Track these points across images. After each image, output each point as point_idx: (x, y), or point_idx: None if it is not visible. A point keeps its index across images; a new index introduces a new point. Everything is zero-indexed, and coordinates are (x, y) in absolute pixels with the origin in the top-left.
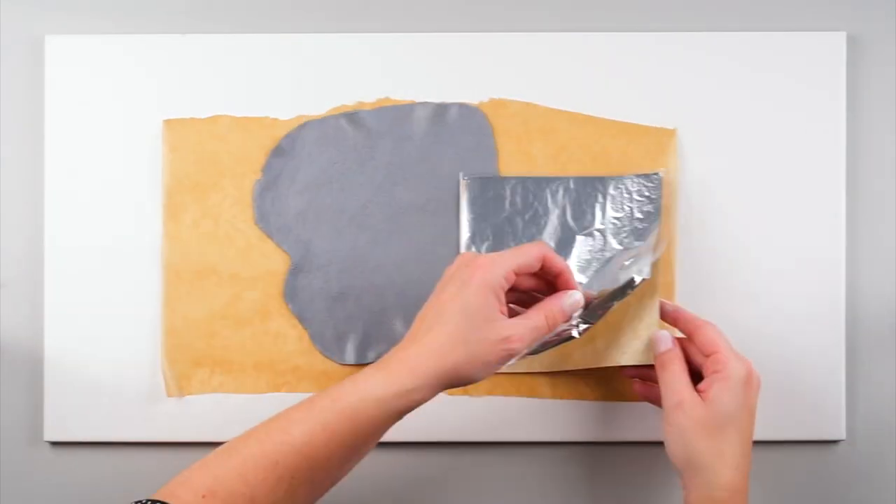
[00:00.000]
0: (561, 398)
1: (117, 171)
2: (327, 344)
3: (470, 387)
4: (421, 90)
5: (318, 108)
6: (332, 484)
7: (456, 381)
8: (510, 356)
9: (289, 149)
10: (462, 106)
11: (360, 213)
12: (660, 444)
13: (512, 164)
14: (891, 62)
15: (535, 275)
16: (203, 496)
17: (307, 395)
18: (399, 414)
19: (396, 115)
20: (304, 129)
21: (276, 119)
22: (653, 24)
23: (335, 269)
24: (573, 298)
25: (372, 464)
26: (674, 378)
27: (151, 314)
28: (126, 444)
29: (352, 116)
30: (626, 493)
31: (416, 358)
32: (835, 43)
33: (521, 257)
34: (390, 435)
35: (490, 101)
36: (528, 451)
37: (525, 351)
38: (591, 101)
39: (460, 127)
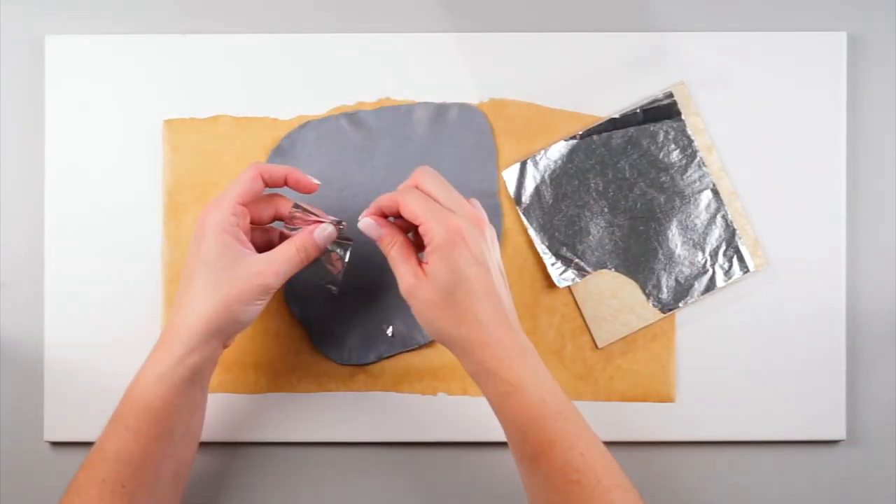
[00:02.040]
0: None
1: (118, 171)
2: (328, 344)
3: (468, 386)
4: (421, 90)
5: (318, 108)
6: (175, 481)
7: (226, 330)
8: (266, 290)
9: (289, 149)
10: (462, 106)
11: (360, 214)
12: (659, 444)
13: (512, 164)
14: (891, 62)
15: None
16: None
17: (307, 396)
18: (186, 382)
19: (397, 115)
20: (305, 129)
21: (276, 119)
22: (654, 25)
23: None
24: (326, 231)
25: (372, 464)
26: (396, 264)
27: (152, 314)
28: None
29: (352, 116)
30: None
31: (180, 323)
32: (835, 43)
33: (239, 186)
34: (390, 435)
35: (490, 101)
36: None
37: (280, 283)
38: (592, 101)
39: (460, 127)
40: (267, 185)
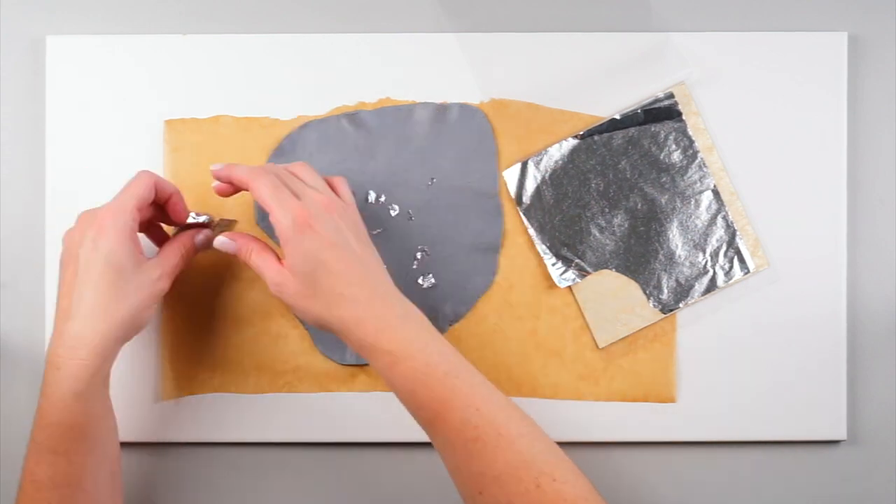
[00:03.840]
0: (561, 398)
1: (118, 172)
2: (328, 344)
3: None
4: (422, 90)
5: (319, 108)
6: (116, 480)
7: (129, 335)
8: (162, 293)
9: (290, 149)
10: (463, 106)
11: (360, 214)
12: (660, 444)
13: (513, 164)
14: (892, 62)
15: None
16: None
17: (307, 396)
18: (102, 391)
19: (397, 115)
20: (305, 130)
21: (276, 119)
22: (654, 25)
23: None
24: (204, 234)
25: (372, 464)
26: (259, 268)
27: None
28: (127, 444)
29: (353, 117)
30: (626, 492)
31: (88, 331)
32: (836, 43)
33: (138, 192)
34: (390, 435)
35: (491, 101)
36: None
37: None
38: (592, 101)
39: (461, 127)
40: (155, 198)
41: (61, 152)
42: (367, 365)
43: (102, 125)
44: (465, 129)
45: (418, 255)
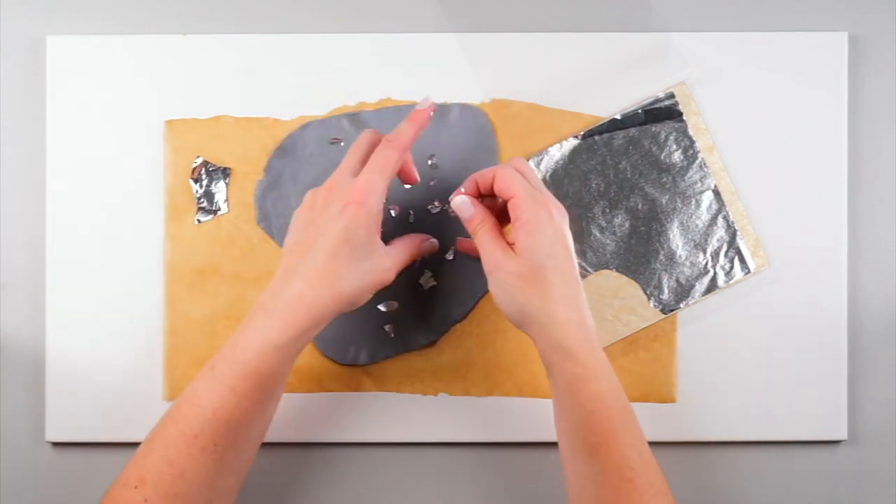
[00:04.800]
0: None
1: (119, 172)
2: (329, 344)
3: (470, 387)
4: (423, 90)
5: (319, 108)
6: (259, 439)
7: (344, 309)
8: (385, 284)
9: (290, 149)
10: (464, 106)
11: None
12: (660, 444)
13: None
14: (892, 62)
15: None
16: (135, 487)
17: (308, 396)
18: (299, 354)
19: (398, 115)
20: (306, 130)
21: (277, 119)
22: (655, 25)
23: None
24: (432, 243)
25: (372, 464)
26: (484, 242)
27: (153, 314)
28: (128, 444)
29: (353, 117)
30: None
31: (311, 293)
32: (836, 43)
33: (389, 173)
34: (390, 435)
35: (492, 101)
36: (528, 451)
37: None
38: (593, 102)
39: (461, 127)
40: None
41: (61, 152)
42: (367, 365)
43: (102, 125)
44: (466, 129)
45: None
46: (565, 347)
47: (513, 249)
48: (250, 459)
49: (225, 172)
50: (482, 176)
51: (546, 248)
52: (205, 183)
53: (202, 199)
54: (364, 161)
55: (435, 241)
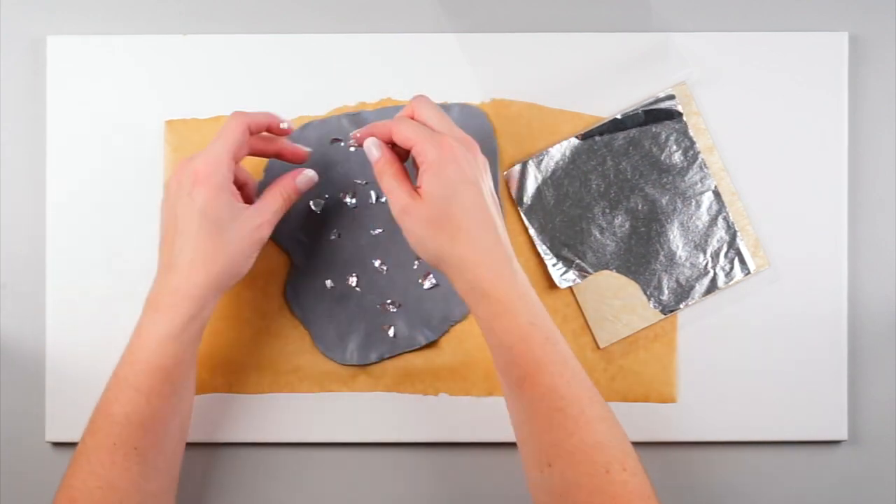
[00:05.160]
0: None
1: (119, 172)
2: (329, 344)
3: (470, 387)
4: (423, 90)
5: (320, 108)
6: (182, 435)
7: (228, 284)
8: (263, 241)
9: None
10: (464, 106)
11: (361, 214)
12: (660, 444)
13: (513, 164)
14: (892, 62)
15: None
16: None
17: (308, 396)
18: (195, 339)
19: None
20: (306, 130)
21: None
22: (655, 25)
23: (337, 269)
24: (306, 175)
25: (372, 464)
26: (391, 185)
27: None
28: None
29: (353, 117)
30: None
31: (186, 284)
32: (837, 43)
33: (230, 141)
34: (390, 435)
35: (492, 101)
36: None
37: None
38: (593, 102)
39: (462, 127)
40: (251, 134)
41: (62, 152)
42: (367, 365)
43: (103, 125)
44: (466, 129)
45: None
46: (478, 288)
47: (418, 194)
48: (177, 458)
49: None
50: (380, 128)
51: (452, 186)
52: None
53: None
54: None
55: (310, 171)
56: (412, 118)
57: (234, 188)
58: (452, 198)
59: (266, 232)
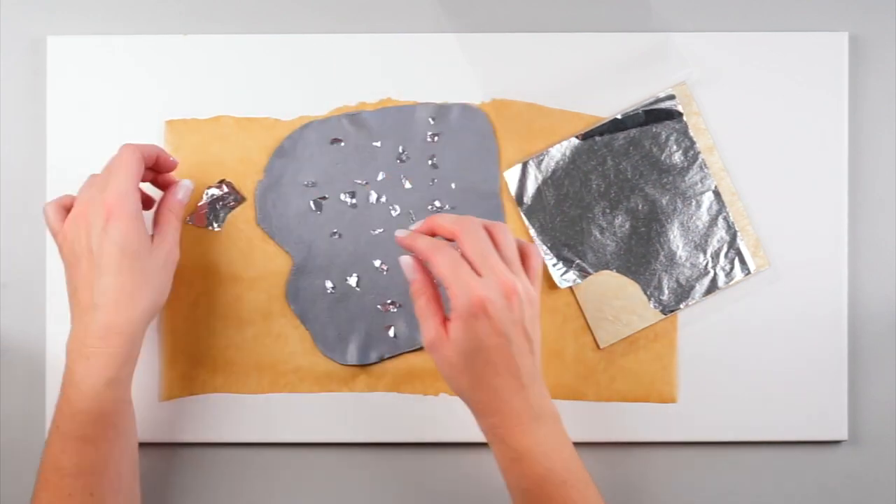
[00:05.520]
0: (561, 398)
1: None
2: (329, 344)
3: None
4: (423, 91)
5: (320, 108)
6: (134, 473)
7: (154, 315)
8: (175, 264)
9: (290, 149)
10: (464, 106)
11: (361, 214)
12: (660, 444)
13: (514, 164)
14: (893, 63)
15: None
16: None
17: (309, 396)
18: (131, 376)
19: (398, 115)
20: (306, 130)
21: (277, 120)
22: (655, 25)
23: (337, 269)
24: (183, 187)
25: (372, 464)
26: (423, 313)
27: None
28: None
29: (353, 117)
30: (626, 493)
31: (116, 322)
32: (837, 43)
33: (133, 171)
34: (390, 435)
35: (492, 101)
36: None
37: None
38: (593, 102)
39: (462, 127)
40: (157, 181)
41: (62, 153)
42: (367, 365)
43: (103, 125)
44: (467, 129)
45: None
46: (496, 434)
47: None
48: (134, 495)
49: (237, 199)
50: (420, 250)
51: (478, 340)
52: (213, 216)
53: (209, 215)
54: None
55: (185, 181)
56: (450, 238)
57: (143, 220)
58: (478, 352)
59: (176, 255)
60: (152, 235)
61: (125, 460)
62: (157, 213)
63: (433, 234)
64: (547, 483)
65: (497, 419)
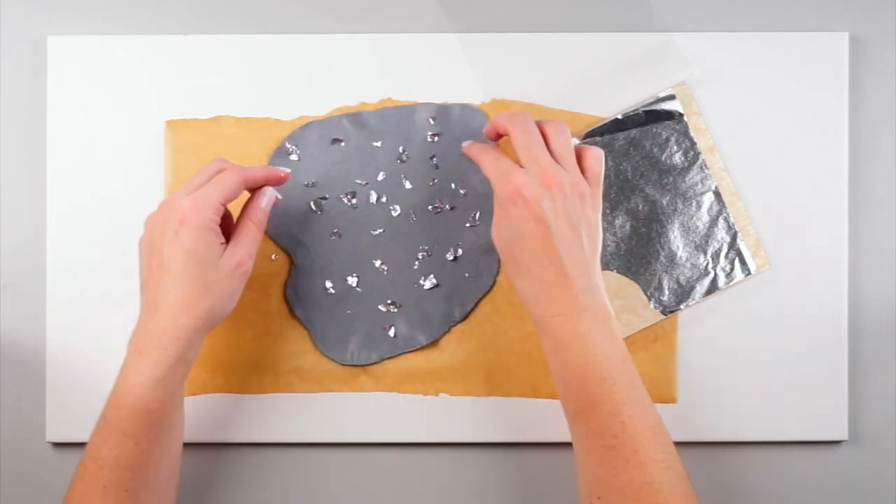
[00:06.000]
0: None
1: (119, 172)
2: (329, 344)
3: (471, 387)
4: (423, 90)
5: (320, 108)
6: (172, 475)
7: (213, 323)
8: (247, 276)
9: (291, 149)
10: (464, 106)
11: (361, 214)
12: None
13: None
14: (893, 63)
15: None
16: None
17: (309, 396)
18: (182, 381)
19: (398, 115)
20: (307, 130)
21: (278, 120)
22: (655, 25)
23: (337, 269)
24: (267, 195)
25: (372, 464)
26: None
27: None
28: None
29: (354, 117)
30: None
31: (172, 325)
32: (837, 43)
33: (225, 191)
34: (390, 435)
35: (492, 101)
36: (528, 451)
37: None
38: (594, 102)
39: (462, 127)
40: (247, 189)
41: (62, 153)
42: (367, 365)
43: (103, 125)
44: (467, 129)
45: (420, 256)
46: (540, 322)
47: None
48: (169, 496)
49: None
50: (495, 129)
51: (514, 227)
52: None
53: None
54: (204, 184)
55: (269, 189)
56: (501, 135)
57: (218, 229)
58: (515, 237)
59: (249, 266)
60: (227, 243)
61: (164, 461)
62: (237, 220)
63: (499, 136)
64: (586, 377)
65: (539, 308)
